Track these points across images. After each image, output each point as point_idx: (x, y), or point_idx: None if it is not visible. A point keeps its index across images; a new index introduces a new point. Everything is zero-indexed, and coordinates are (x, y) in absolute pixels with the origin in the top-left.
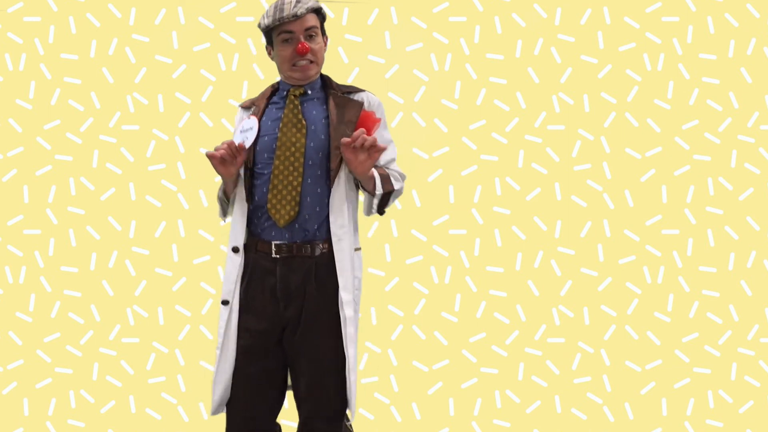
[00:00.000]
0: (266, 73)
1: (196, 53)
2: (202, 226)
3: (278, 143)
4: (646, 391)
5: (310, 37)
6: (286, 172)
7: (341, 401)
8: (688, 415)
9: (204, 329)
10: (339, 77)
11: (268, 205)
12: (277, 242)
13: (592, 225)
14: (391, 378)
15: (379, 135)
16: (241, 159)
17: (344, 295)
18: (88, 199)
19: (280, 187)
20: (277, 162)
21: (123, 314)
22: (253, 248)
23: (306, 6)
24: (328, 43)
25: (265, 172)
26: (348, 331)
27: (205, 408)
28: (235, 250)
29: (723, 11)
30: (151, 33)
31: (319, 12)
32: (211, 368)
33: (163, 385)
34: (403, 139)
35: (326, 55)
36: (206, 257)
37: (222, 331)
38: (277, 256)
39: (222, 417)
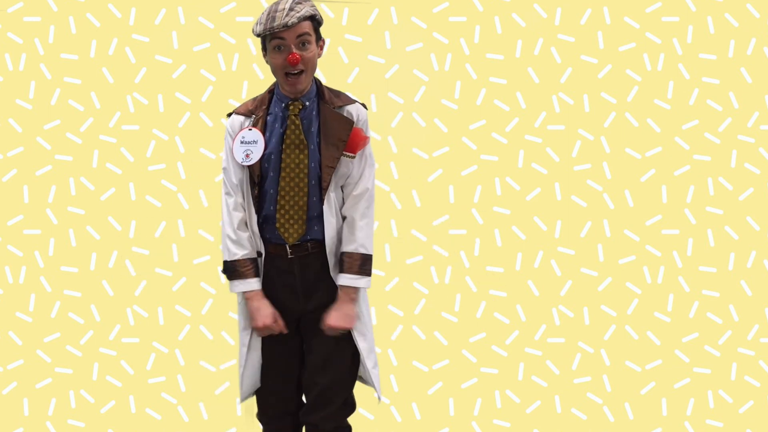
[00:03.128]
0: (266, 73)
1: (196, 53)
2: (202, 226)
3: (283, 164)
4: (646, 391)
5: (302, 45)
6: (291, 193)
7: (351, 381)
8: (688, 415)
9: (204, 329)
10: (339, 77)
11: (277, 224)
12: (291, 243)
13: (592, 225)
14: (391, 378)
15: (359, 154)
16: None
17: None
18: (88, 199)
19: (287, 207)
20: (283, 183)
21: (123, 314)
22: (267, 251)
23: (298, 15)
24: (327, 45)
25: (271, 190)
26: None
27: (205, 408)
28: (261, 255)
29: (723, 11)
30: (151, 33)
31: (313, 18)
32: (211, 368)
33: (163, 385)
34: (403, 139)
35: (326, 55)
36: (206, 257)
37: (247, 323)
38: (293, 256)
39: (219, 417)
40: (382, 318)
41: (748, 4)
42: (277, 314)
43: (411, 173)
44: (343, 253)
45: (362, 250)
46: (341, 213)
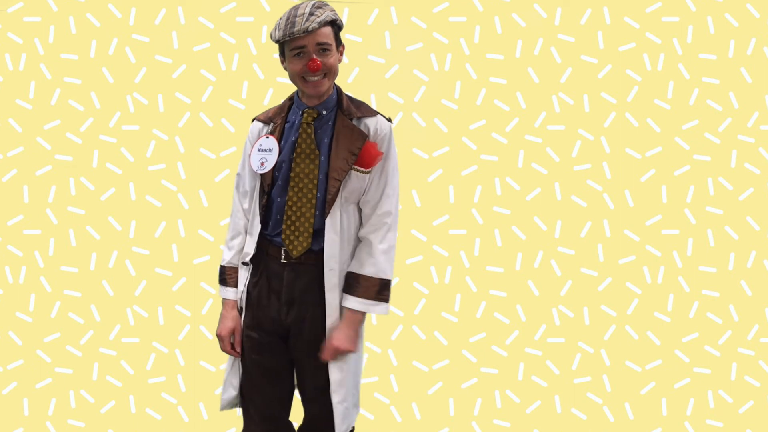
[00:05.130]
0: (266, 73)
1: (196, 53)
2: (202, 226)
3: (292, 174)
4: (646, 391)
5: (322, 51)
6: (299, 204)
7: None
8: (688, 415)
9: (204, 329)
10: (339, 77)
11: (283, 236)
12: (296, 256)
13: (592, 225)
14: (391, 378)
15: (380, 169)
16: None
17: (329, 324)
18: (88, 199)
19: (293, 218)
20: (291, 193)
21: (123, 314)
22: (265, 251)
23: (318, 20)
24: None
25: (278, 199)
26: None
27: (205, 408)
28: (246, 264)
29: (723, 11)
30: (151, 33)
31: (333, 24)
32: (211, 368)
33: (163, 385)
34: (403, 139)
35: None
36: (206, 257)
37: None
38: (286, 261)
39: (219, 417)
40: (382, 318)
41: (748, 4)
42: (236, 331)
43: (411, 173)
44: (359, 276)
45: (382, 275)
46: (359, 234)
